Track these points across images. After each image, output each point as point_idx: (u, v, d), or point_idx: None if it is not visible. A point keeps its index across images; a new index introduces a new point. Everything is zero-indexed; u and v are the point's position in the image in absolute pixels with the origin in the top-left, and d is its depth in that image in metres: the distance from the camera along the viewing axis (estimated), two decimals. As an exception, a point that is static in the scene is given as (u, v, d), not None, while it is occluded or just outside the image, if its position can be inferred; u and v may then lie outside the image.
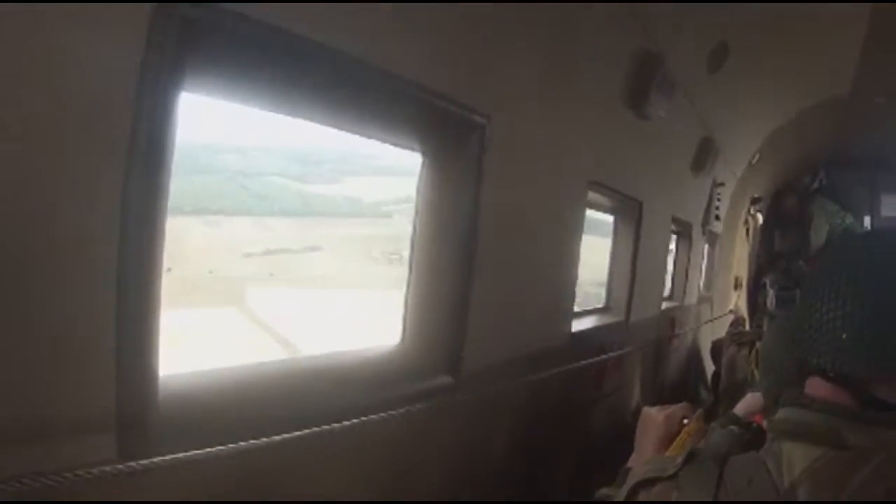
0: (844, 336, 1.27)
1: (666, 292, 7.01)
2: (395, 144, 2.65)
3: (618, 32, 3.74)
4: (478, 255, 2.70)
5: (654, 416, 1.88)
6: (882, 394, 1.27)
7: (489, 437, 3.03)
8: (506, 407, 3.17)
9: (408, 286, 2.72)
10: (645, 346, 5.58)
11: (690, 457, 1.36)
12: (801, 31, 5.48)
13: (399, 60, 2.17)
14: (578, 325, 4.17)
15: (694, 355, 7.95)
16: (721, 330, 7.86)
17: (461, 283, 2.68)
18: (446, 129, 2.60)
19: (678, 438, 1.81)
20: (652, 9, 3.80)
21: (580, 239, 3.86)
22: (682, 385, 7.15)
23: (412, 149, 2.66)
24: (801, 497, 1.21)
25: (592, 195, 4.17)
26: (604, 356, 4.23)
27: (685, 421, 1.84)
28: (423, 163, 2.68)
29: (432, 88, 2.36)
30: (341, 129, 2.42)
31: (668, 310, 6.74)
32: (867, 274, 1.30)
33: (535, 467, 3.51)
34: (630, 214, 5.06)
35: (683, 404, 1.90)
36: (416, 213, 2.71)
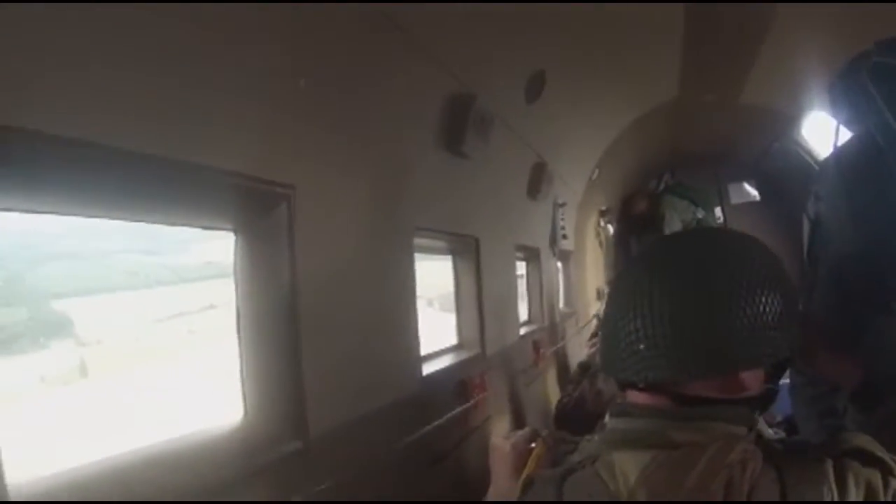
0: (642, 347, 1.33)
1: (524, 317, 7.15)
2: (205, 227, 2.68)
3: (423, 82, 3.84)
4: (303, 319, 2.73)
5: (502, 447, 1.88)
6: (697, 391, 1.34)
7: (351, 499, 3.02)
8: (364, 465, 3.16)
9: (241, 361, 2.73)
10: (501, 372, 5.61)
11: (526, 486, 1.42)
12: (617, 45, 5.67)
13: (193, 148, 2.21)
14: (430, 368, 4.21)
15: (566, 370, 8.06)
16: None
17: (291, 349, 2.71)
18: (253, 206, 2.64)
19: (528, 464, 1.80)
20: (457, 51, 3.92)
21: (414, 285, 3.92)
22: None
23: (223, 228, 2.70)
24: (641, 501, 1.25)
25: (424, 241, 4.25)
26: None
27: (532, 445, 1.84)
28: (236, 241, 2.71)
29: (232, 169, 2.41)
30: (148, 221, 2.46)
31: (528, 333, 6.84)
32: (651, 284, 1.35)
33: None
34: (468, 252, 5.14)
35: (528, 429, 1.92)
36: (237, 290, 2.74)
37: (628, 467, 1.29)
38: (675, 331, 1.30)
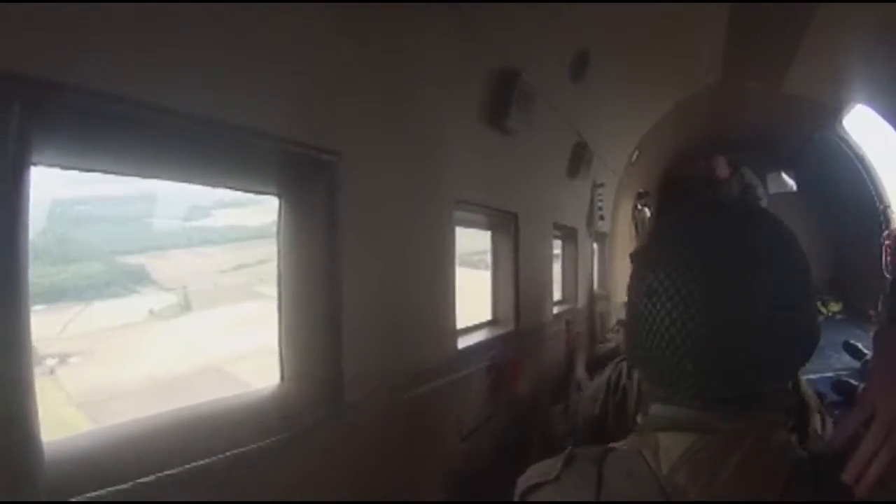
0: (700, 367, 1.26)
1: (558, 297, 7.14)
2: (249, 191, 2.69)
3: (468, 56, 3.83)
4: (345, 287, 2.74)
5: None
6: None
7: (382, 466, 3.04)
8: (396, 432, 3.19)
9: (279, 327, 2.74)
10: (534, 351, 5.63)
11: (570, 458, 1.40)
12: (662, 28, 5.62)
13: (241, 112, 2.21)
14: (465, 342, 4.23)
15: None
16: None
17: (331, 316, 2.71)
18: (298, 172, 2.64)
19: None
20: (503, 26, 3.91)
21: (453, 258, 3.94)
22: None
23: (267, 193, 2.70)
24: (681, 481, 1.25)
25: (464, 214, 4.25)
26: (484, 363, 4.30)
27: None
28: (280, 205, 2.71)
29: (279, 134, 2.41)
30: (194, 183, 2.46)
31: (561, 313, 6.84)
32: (706, 290, 1.25)
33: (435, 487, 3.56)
34: (506, 227, 5.15)
35: None
36: (279, 254, 2.73)
37: (672, 447, 1.28)
38: (741, 348, 1.23)
